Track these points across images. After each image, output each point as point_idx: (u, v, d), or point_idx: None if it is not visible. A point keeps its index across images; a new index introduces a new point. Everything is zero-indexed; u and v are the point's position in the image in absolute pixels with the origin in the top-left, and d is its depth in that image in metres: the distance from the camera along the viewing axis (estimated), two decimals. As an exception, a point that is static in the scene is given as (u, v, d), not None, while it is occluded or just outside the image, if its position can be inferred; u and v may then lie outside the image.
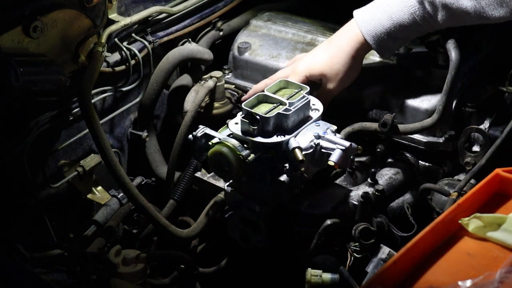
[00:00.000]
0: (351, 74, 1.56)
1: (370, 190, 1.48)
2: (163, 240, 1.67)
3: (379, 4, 1.50)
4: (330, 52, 1.55)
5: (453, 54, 1.53)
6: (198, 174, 1.61)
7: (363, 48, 1.53)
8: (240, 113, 1.43)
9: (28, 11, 1.45)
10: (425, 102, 1.59)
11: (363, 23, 1.50)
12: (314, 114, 1.48)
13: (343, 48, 1.54)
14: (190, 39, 1.96)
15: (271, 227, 1.47)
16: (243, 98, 1.69)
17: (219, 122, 1.61)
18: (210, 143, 1.42)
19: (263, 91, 1.47)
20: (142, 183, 1.84)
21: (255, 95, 1.46)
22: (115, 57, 1.76)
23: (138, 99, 1.85)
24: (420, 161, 1.63)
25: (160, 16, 1.85)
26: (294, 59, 1.67)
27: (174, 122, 1.86)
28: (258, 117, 1.38)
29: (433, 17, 1.44)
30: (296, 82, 1.53)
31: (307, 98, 1.46)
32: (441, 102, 1.54)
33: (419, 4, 1.43)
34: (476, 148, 1.57)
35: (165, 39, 1.87)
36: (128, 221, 1.71)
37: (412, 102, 1.61)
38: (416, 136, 1.60)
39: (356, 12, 1.54)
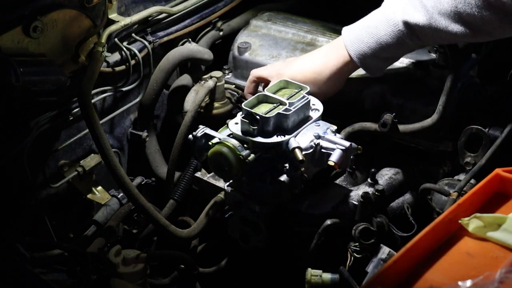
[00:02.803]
0: (332, 90, 1.58)
1: (370, 190, 1.48)
2: (163, 240, 1.67)
3: (366, 26, 1.48)
4: (316, 67, 1.55)
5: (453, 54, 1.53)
6: (198, 174, 1.61)
7: (349, 67, 1.53)
8: (240, 113, 1.43)
9: (28, 11, 1.44)
10: (425, 102, 1.59)
11: (350, 44, 1.50)
12: (314, 114, 1.48)
13: (328, 65, 1.54)
14: (190, 39, 1.97)
15: (271, 227, 1.47)
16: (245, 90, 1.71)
17: (219, 122, 1.61)
18: (210, 143, 1.42)
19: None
20: (142, 183, 1.84)
21: (255, 95, 1.46)
22: (115, 57, 1.76)
23: (138, 99, 1.85)
24: (420, 161, 1.63)
25: (160, 16, 1.85)
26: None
27: (174, 122, 1.86)
28: (258, 117, 1.38)
29: (421, 39, 1.43)
30: (296, 82, 1.53)
31: (307, 98, 1.46)
32: (441, 102, 1.54)
33: (406, 28, 1.42)
34: (476, 148, 1.57)
35: (165, 39, 1.87)
36: (128, 221, 1.71)
37: (412, 102, 1.61)
38: (416, 136, 1.60)
39: (344, 30, 1.53)
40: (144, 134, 1.86)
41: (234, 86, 1.86)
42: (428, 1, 1.38)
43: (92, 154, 1.75)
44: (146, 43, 1.80)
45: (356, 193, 1.50)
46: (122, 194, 1.72)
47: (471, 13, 1.34)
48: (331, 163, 1.39)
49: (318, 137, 1.43)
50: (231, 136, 1.43)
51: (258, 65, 1.80)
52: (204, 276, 1.67)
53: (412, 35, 1.42)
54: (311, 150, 1.42)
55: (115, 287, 1.31)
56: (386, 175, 1.58)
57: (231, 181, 1.50)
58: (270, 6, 2.09)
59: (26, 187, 1.59)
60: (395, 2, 1.44)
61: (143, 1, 1.83)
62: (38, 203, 1.63)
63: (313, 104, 1.51)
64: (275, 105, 1.44)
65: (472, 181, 1.45)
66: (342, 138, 1.44)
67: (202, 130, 1.46)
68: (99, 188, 1.76)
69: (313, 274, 1.37)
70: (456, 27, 1.37)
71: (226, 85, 1.84)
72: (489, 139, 1.53)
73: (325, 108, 1.51)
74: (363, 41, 1.48)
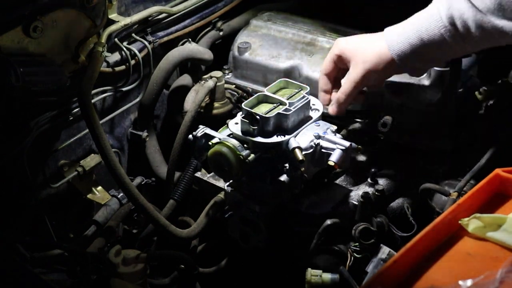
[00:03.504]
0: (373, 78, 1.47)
1: (370, 190, 1.48)
2: (163, 240, 1.67)
3: (410, 22, 1.40)
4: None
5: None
6: (198, 174, 1.61)
7: (391, 66, 1.43)
8: (240, 113, 1.43)
9: (28, 11, 1.45)
10: (425, 102, 1.59)
11: (391, 41, 1.40)
12: (314, 114, 1.49)
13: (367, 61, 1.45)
14: (190, 39, 1.97)
15: (271, 227, 1.47)
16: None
17: (219, 122, 1.61)
18: (210, 143, 1.42)
19: None
20: (142, 183, 1.84)
21: (255, 95, 1.46)
22: (115, 57, 1.76)
23: (138, 99, 1.85)
24: (420, 161, 1.63)
25: (160, 16, 1.86)
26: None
27: (174, 122, 1.86)
28: (258, 117, 1.38)
29: (466, 38, 1.32)
30: (296, 82, 1.53)
31: (307, 98, 1.46)
32: (441, 102, 1.54)
33: (450, 24, 1.32)
34: (476, 148, 1.57)
35: (165, 39, 1.87)
36: (128, 221, 1.71)
37: (412, 102, 1.60)
38: (416, 136, 1.60)
39: (387, 29, 1.44)
40: (144, 134, 1.86)
41: (234, 86, 1.86)
42: None
43: (92, 154, 1.75)
44: (146, 43, 1.80)
45: (356, 193, 1.50)
46: (122, 194, 1.72)
47: None
48: (331, 163, 1.39)
49: (318, 137, 1.43)
50: (231, 136, 1.43)
51: (258, 65, 1.80)
52: (204, 276, 1.67)
53: (455, 32, 1.32)
54: (311, 150, 1.42)
55: (115, 287, 1.31)
56: (386, 175, 1.58)
57: (231, 181, 1.50)
58: (270, 6, 2.08)
59: (26, 187, 1.59)
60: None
61: (143, 1, 1.83)
62: (38, 203, 1.63)
63: (313, 104, 1.51)
64: (275, 105, 1.44)
65: (472, 181, 1.45)
66: (342, 138, 1.44)
67: (202, 130, 1.46)
68: (99, 188, 1.76)
69: (313, 274, 1.37)
70: (501, 21, 1.27)
71: (226, 85, 1.84)
72: (489, 139, 1.53)
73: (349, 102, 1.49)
74: (404, 35, 1.38)
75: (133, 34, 1.79)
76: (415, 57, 1.39)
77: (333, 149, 1.40)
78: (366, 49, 1.44)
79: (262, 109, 1.43)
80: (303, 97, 1.45)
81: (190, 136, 1.47)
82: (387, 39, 1.41)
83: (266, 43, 1.85)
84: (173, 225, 1.54)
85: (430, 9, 1.38)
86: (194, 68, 1.97)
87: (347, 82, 1.47)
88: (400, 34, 1.39)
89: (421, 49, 1.37)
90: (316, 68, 1.74)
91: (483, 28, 1.29)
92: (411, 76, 1.51)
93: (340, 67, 1.51)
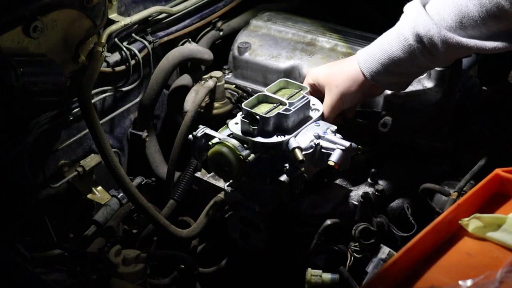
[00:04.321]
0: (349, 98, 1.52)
1: (370, 190, 1.48)
2: (163, 240, 1.67)
3: (379, 42, 1.45)
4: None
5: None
6: (198, 174, 1.61)
7: (364, 86, 1.48)
8: (240, 113, 1.43)
9: (28, 11, 1.45)
10: (425, 102, 1.59)
11: (363, 62, 1.46)
12: (314, 114, 1.49)
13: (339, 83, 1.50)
14: (190, 39, 1.97)
15: (271, 227, 1.47)
16: None
17: (219, 122, 1.61)
18: (210, 143, 1.42)
19: None
20: (142, 183, 1.84)
21: (255, 95, 1.46)
22: (115, 57, 1.76)
23: (138, 99, 1.85)
24: (420, 161, 1.63)
25: (160, 16, 1.86)
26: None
27: (174, 122, 1.86)
28: (258, 117, 1.38)
29: (433, 53, 1.37)
30: (296, 82, 1.53)
31: (307, 98, 1.46)
32: (441, 102, 1.54)
33: (417, 42, 1.36)
34: (476, 148, 1.57)
35: (165, 39, 1.87)
36: (128, 221, 1.71)
37: (412, 102, 1.61)
38: (416, 136, 1.60)
39: (359, 51, 1.50)
40: (144, 134, 1.86)
41: (234, 86, 1.86)
42: (434, 16, 1.35)
43: (92, 154, 1.75)
44: (146, 43, 1.80)
45: (356, 193, 1.50)
46: (122, 194, 1.72)
47: (476, 25, 1.31)
48: (331, 163, 1.39)
49: (318, 137, 1.43)
50: (231, 136, 1.43)
51: (258, 65, 1.80)
52: (204, 276, 1.67)
53: (423, 49, 1.37)
54: (311, 150, 1.42)
55: (115, 287, 1.31)
56: (386, 175, 1.58)
57: (231, 181, 1.50)
58: (270, 6, 2.09)
59: (26, 187, 1.59)
60: (406, 18, 1.40)
61: (143, 1, 1.83)
62: (38, 203, 1.63)
63: (313, 104, 1.51)
64: (275, 105, 1.44)
65: (472, 181, 1.45)
66: (342, 138, 1.44)
67: (202, 130, 1.46)
68: (99, 188, 1.76)
69: (313, 274, 1.37)
70: (464, 40, 1.33)
71: (226, 85, 1.84)
72: (489, 139, 1.53)
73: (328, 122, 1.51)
74: (374, 55, 1.44)
75: (133, 34, 1.79)
76: (388, 73, 1.44)
77: (333, 149, 1.41)
78: (338, 74, 1.50)
79: (262, 109, 1.43)
80: (303, 97, 1.45)
81: (190, 136, 1.47)
82: (359, 61, 1.47)
83: (266, 43, 1.85)
84: (173, 225, 1.54)
85: (397, 28, 1.43)
86: (194, 68, 1.97)
87: (324, 107, 1.51)
88: (371, 55, 1.45)
89: (392, 67, 1.43)
90: (316, 68, 1.74)
91: (448, 44, 1.35)
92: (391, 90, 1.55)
93: (315, 95, 1.55)
